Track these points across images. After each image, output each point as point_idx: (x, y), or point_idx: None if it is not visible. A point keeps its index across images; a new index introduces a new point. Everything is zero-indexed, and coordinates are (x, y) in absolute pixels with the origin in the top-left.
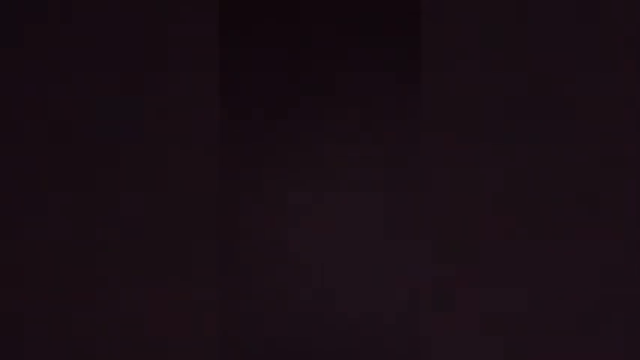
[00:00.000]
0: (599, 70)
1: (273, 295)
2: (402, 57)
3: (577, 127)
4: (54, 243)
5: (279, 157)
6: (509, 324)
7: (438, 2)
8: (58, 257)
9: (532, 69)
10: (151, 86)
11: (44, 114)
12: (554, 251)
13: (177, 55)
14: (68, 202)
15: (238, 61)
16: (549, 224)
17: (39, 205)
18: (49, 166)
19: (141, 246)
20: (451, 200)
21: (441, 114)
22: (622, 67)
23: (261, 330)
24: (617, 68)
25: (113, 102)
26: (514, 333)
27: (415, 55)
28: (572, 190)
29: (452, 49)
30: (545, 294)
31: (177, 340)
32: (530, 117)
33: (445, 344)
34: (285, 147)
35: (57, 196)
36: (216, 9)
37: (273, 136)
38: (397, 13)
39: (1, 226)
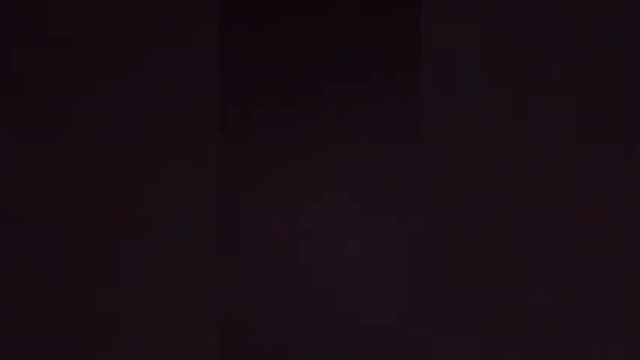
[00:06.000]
0: (601, 70)
1: (273, 295)
2: (402, 57)
3: (580, 127)
4: (53, 242)
5: (279, 157)
6: (510, 325)
7: (439, 2)
8: (57, 257)
9: (533, 68)
10: (151, 86)
11: (43, 113)
12: (559, 251)
13: (177, 55)
14: (67, 201)
15: (238, 61)
16: (552, 224)
17: (38, 204)
18: (48, 166)
19: (140, 246)
20: (452, 201)
21: (441, 114)
22: (623, 67)
23: (261, 330)
24: (619, 68)
25: (113, 102)
26: (515, 334)
27: (415, 54)
28: (576, 191)
29: (452, 49)
30: (547, 295)
31: (177, 340)
32: (530, 117)
33: (445, 345)
34: (285, 147)
35: (56, 196)
36: (215, 9)
37: (273, 136)
38: (397, 13)
39: (1, 226)
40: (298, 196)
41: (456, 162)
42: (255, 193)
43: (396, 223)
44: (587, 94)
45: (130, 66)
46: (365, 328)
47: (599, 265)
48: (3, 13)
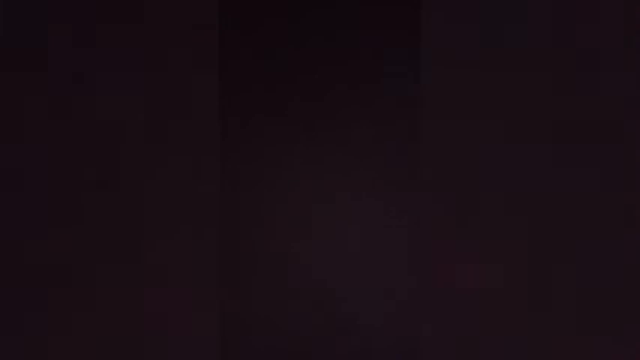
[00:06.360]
0: (600, 69)
1: (273, 295)
2: (402, 57)
3: (579, 126)
4: (54, 242)
5: (279, 157)
6: (510, 324)
7: (439, 2)
8: (57, 256)
9: (533, 68)
10: (151, 86)
11: (43, 113)
12: (559, 252)
13: (177, 55)
14: (67, 201)
15: (238, 61)
16: (555, 224)
17: (38, 205)
18: (48, 165)
19: (140, 246)
20: (451, 201)
21: (441, 114)
22: (622, 67)
23: (261, 330)
24: (618, 67)
25: (113, 102)
26: (515, 333)
27: (415, 54)
28: (578, 191)
29: (452, 49)
30: (548, 295)
31: (178, 340)
32: (530, 117)
33: (445, 344)
34: (285, 147)
35: (56, 196)
36: (216, 9)
37: (273, 136)
38: (397, 12)
39: (1, 227)
40: (298, 195)
41: (456, 162)
42: (256, 192)
43: (395, 223)
44: (588, 94)
45: (130, 66)
46: (365, 328)
47: (600, 265)
48: (5, 12)
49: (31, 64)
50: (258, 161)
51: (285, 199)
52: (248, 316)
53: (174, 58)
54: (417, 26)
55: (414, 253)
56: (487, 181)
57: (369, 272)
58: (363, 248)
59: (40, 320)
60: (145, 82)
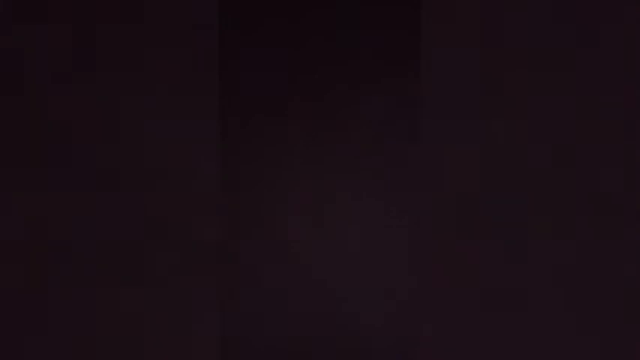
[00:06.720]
0: (600, 69)
1: (273, 295)
2: (402, 56)
3: (579, 126)
4: (54, 241)
5: (279, 157)
6: (511, 325)
7: (439, 2)
8: (57, 256)
9: (533, 68)
10: (151, 86)
11: (42, 114)
12: (559, 252)
13: (177, 55)
14: (68, 202)
15: (238, 61)
16: (555, 223)
17: (38, 204)
18: (48, 166)
19: (140, 245)
20: (452, 201)
21: (441, 114)
22: (622, 68)
23: (261, 330)
24: (618, 67)
25: (112, 102)
26: (515, 333)
27: (415, 54)
28: (578, 191)
29: (452, 49)
30: (548, 294)
31: (178, 340)
32: (530, 117)
33: (445, 345)
34: (285, 147)
35: (57, 196)
36: (215, 9)
37: (273, 136)
38: (397, 12)
39: (1, 226)
40: (298, 195)
41: (456, 162)
42: (256, 192)
43: (395, 223)
44: (588, 94)
45: (129, 66)
46: (365, 328)
47: (600, 264)
48: (4, 12)
49: (31, 64)
50: (258, 161)
51: (285, 199)
52: (248, 316)
53: (175, 58)
54: (417, 26)
55: (414, 253)
56: (487, 181)
57: (369, 272)
58: (363, 248)
59: (40, 320)
60: (145, 82)
